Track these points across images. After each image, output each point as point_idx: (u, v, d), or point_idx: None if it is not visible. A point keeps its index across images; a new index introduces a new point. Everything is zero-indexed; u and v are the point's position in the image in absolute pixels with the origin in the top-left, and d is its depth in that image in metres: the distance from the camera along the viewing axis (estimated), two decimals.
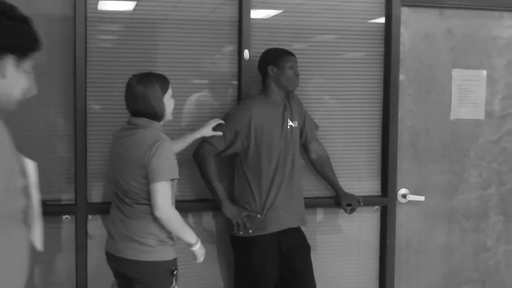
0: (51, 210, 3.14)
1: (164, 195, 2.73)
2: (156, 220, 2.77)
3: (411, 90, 3.70)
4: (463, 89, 3.77)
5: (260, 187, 3.23)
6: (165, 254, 2.83)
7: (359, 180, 3.68)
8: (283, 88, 3.25)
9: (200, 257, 2.92)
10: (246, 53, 3.39)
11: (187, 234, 2.86)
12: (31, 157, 1.85)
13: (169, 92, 2.86)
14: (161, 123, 2.87)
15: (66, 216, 3.30)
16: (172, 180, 2.79)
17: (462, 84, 3.76)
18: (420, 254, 3.78)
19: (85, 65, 3.24)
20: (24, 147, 1.90)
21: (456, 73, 3.75)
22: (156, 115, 2.82)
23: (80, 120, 3.23)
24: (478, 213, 3.86)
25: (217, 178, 3.25)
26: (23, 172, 1.75)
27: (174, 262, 2.86)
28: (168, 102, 2.86)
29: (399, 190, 3.70)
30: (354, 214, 3.67)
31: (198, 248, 2.88)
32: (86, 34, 3.23)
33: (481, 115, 3.81)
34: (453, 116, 3.77)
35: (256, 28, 3.45)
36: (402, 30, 3.63)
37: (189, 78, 3.44)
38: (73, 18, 3.20)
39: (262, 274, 3.24)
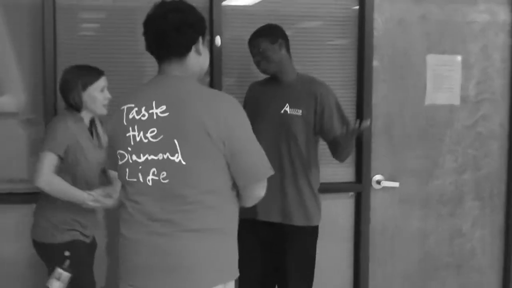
0: None
1: (42, 165, 2.75)
2: (48, 201, 2.83)
3: (386, 76, 3.68)
4: (438, 75, 3.75)
5: None
6: (57, 237, 2.85)
7: (333, 166, 3.65)
8: None
9: (105, 202, 2.85)
10: (218, 40, 3.37)
11: (74, 195, 2.81)
12: None
13: (97, 85, 2.86)
14: (83, 114, 2.89)
15: None
16: (57, 155, 2.78)
17: (437, 69, 3.75)
18: (395, 239, 3.79)
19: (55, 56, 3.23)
20: None
21: (431, 59, 3.74)
22: (72, 106, 2.87)
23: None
24: (453, 198, 3.86)
25: None
26: None
27: (67, 245, 2.86)
28: (94, 94, 2.86)
29: (373, 176, 3.70)
30: (328, 200, 3.66)
31: (94, 200, 2.81)
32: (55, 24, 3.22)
33: (456, 101, 3.80)
34: (428, 101, 3.76)
35: (228, 14, 3.42)
36: (375, 16, 3.61)
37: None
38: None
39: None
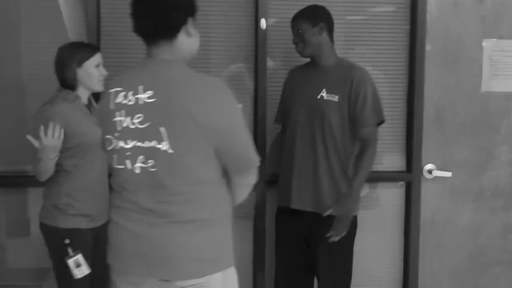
0: None
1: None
2: (53, 184, 2.80)
3: (438, 61, 3.52)
4: (494, 61, 3.57)
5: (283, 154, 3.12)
6: (58, 220, 2.81)
7: (383, 155, 3.54)
8: None
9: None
10: (263, 23, 3.28)
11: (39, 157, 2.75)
12: None
13: (92, 61, 2.82)
14: (79, 91, 2.84)
15: None
16: None
17: (493, 55, 3.57)
18: (445, 232, 3.64)
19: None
20: None
21: (488, 44, 3.56)
22: (67, 85, 2.82)
23: None
24: (508, 191, 3.68)
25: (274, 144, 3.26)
26: None
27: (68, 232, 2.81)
28: (90, 70, 2.82)
29: (424, 165, 3.55)
30: (377, 189, 3.57)
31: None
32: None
33: None
34: (483, 89, 3.58)
35: None
36: None
37: (205, 49, 3.35)
38: None
39: (276, 253, 3.18)
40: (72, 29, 3.30)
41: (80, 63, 2.81)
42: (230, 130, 2.00)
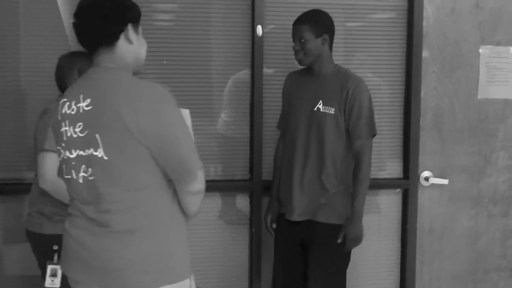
0: None
1: (43, 166, 2.68)
2: (39, 191, 2.77)
3: (435, 67, 3.51)
4: (491, 67, 3.57)
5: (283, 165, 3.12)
6: (44, 227, 2.80)
7: (380, 162, 3.54)
8: None
9: None
10: (259, 30, 3.28)
11: None
12: None
13: None
14: None
15: None
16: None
17: (490, 61, 3.56)
18: (443, 239, 3.62)
19: None
20: None
21: (484, 50, 3.55)
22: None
23: None
24: (506, 197, 3.67)
25: (276, 170, 3.19)
26: None
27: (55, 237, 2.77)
28: None
29: (421, 172, 3.54)
30: (375, 196, 3.56)
31: None
32: None
33: (511, 94, 3.61)
34: (481, 95, 3.57)
35: (270, 3, 3.33)
36: (426, 4, 3.45)
37: (201, 57, 3.36)
38: None
39: (275, 255, 3.17)
40: (73, 36, 3.29)
41: (80, 72, 2.79)
42: (164, 136, 1.95)
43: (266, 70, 3.35)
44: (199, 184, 2.04)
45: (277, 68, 3.38)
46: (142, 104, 1.92)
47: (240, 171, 3.43)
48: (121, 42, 2.04)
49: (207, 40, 3.39)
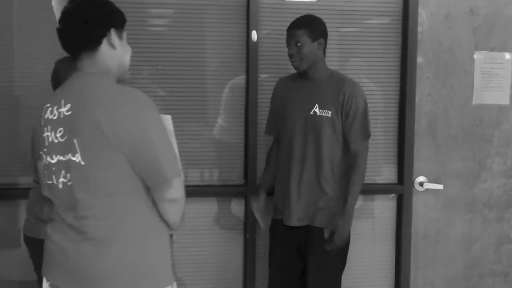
0: None
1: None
2: (36, 196, 2.77)
3: (430, 73, 3.52)
4: (486, 73, 3.57)
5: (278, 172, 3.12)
6: (41, 232, 2.75)
7: (374, 167, 3.54)
8: None
9: None
10: (254, 35, 3.28)
11: None
12: None
13: None
14: None
15: None
16: None
17: (485, 67, 3.57)
18: (438, 244, 3.62)
19: None
20: None
21: (479, 56, 3.56)
22: None
23: None
24: (501, 202, 3.67)
25: (268, 166, 3.21)
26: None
27: None
28: None
29: (416, 178, 3.54)
30: (369, 202, 3.57)
31: None
32: None
33: (505, 100, 3.61)
34: (475, 100, 3.58)
35: (265, 9, 3.33)
36: (420, 10, 3.46)
37: (196, 62, 3.37)
38: None
39: (270, 260, 3.16)
40: None
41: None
42: (139, 142, 1.92)
43: (261, 75, 3.36)
44: (175, 192, 2.00)
45: (272, 73, 3.38)
46: (118, 110, 1.90)
47: (235, 176, 3.43)
48: (104, 47, 2.04)
49: (202, 45, 3.39)
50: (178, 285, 3.35)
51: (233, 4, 3.33)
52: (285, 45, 3.00)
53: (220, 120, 3.41)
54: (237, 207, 3.46)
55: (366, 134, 3.02)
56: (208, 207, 3.46)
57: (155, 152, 1.94)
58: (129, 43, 3.17)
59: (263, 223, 3.19)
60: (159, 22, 3.39)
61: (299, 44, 2.90)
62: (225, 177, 3.44)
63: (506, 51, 3.59)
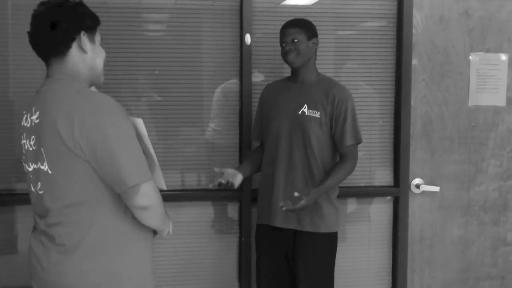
0: None
1: None
2: None
3: (425, 75, 3.51)
4: (481, 74, 3.56)
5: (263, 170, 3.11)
6: None
7: (370, 169, 3.53)
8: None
9: None
10: (247, 38, 3.28)
11: None
12: None
13: None
14: None
15: None
16: None
17: (480, 68, 3.56)
18: (434, 247, 3.61)
19: None
20: None
21: (475, 57, 3.55)
22: None
23: None
24: (497, 205, 3.65)
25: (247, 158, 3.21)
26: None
27: None
28: None
29: (412, 180, 3.53)
30: (365, 204, 3.56)
31: None
32: None
33: (501, 102, 3.60)
34: (471, 102, 3.57)
35: (259, 12, 3.33)
36: (415, 12, 3.45)
37: (191, 66, 3.36)
38: None
39: (261, 266, 3.13)
40: None
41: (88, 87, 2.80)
42: (100, 149, 1.87)
43: (255, 79, 3.35)
44: (144, 198, 1.94)
45: (266, 76, 3.37)
46: (77, 117, 1.86)
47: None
48: (74, 52, 2.00)
49: (197, 49, 3.37)
50: None
51: (227, 8, 3.32)
52: (279, 47, 3.00)
53: (212, 124, 3.40)
54: (231, 211, 3.45)
55: (356, 139, 2.99)
56: (203, 211, 3.44)
57: (115, 158, 1.88)
58: (124, 48, 3.21)
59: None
60: (153, 27, 3.37)
61: (296, 41, 2.92)
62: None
63: (501, 52, 3.57)
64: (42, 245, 2.02)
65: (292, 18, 3.05)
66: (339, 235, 3.13)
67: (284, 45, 2.96)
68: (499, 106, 3.60)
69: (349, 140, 2.96)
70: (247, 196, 3.33)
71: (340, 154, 3.01)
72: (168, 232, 2.21)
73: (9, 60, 3.27)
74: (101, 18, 2.16)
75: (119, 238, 2.00)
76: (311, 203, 2.82)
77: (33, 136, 1.97)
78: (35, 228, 2.13)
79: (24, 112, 2.06)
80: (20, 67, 3.24)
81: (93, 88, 2.39)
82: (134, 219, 2.01)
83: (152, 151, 2.15)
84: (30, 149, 1.99)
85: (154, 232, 2.18)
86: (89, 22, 2.03)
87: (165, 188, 2.27)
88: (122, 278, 2.01)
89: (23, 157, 2.06)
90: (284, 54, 2.96)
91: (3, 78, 3.26)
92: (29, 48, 3.10)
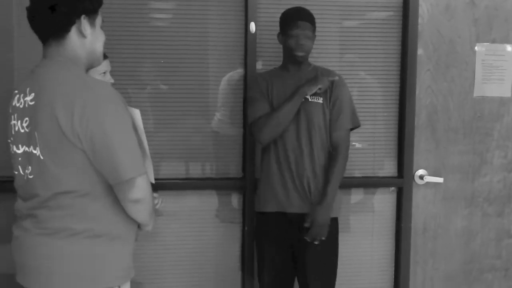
0: None
1: None
2: None
3: (430, 65, 3.48)
4: (487, 65, 3.53)
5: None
6: None
7: (374, 160, 3.51)
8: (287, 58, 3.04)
9: None
10: (252, 26, 3.25)
11: None
12: None
13: (99, 68, 2.73)
14: None
15: None
16: None
17: (486, 59, 3.53)
18: (438, 238, 3.59)
19: None
20: None
21: (481, 48, 3.52)
22: None
23: None
24: (501, 196, 3.63)
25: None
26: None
27: None
28: (96, 78, 2.77)
29: (416, 171, 3.51)
30: (369, 195, 3.54)
31: None
32: None
33: (507, 93, 3.57)
34: (476, 93, 3.54)
35: (264, 0, 3.31)
36: (420, 2, 3.42)
37: (196, 55, 3.33)
38: None
39: (264, 254, 3.11)
40: None
41: (86, 70, 2.77)
42: (98, 139, 1.84)
43: (259, 68, 3.32)
44: (138, 191, 1.92)
45: (270, 65, 3.34)
46: (77, 105, 1.82)
47: (233, 170, 3.40)
48: (73, 35, 1.96)
49: (203, 38, 3.34)
50: (176, 277, 3.39)
51: None
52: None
53: (218, 114, 3.39)
54: (235, 200, 3.43)
55: (353, 124, 3.03)
56: (207, 200, 3.42)
57: (113, 150, 1.86)
58: (130, 37, 3.19)
59: None
60: (159, 16, 3.35)
61: (309, 35, 2.96)
62: (223, 170, 3.41)
63: (508, 43, 3.54)
64: (24, 230, 1.99)
65: (296, 5, 3.05)
66: (342, 225, 3.13)
67: (297, 36, 2.94)
68: (505, 97, 3.58)
69: (344, 126, 2.99)
70: (251, 185, 3.31)
71: (333, 144, 3.00)
72: (150, 228, 2.16)
73: (14, 53, 3.24)
74: (105, 7, 2.13)
75: (107, 227, 1.97)
76: (325, 220, 2.91)
77: (27, 118, 1.92)
78: (16, 217, 2.08)
79: (17, 91, 2.01)
80: (25, 59, 3.19)
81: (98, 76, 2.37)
82: (123, 212, 1.99)
83: (145, 143, 2.13)
84: (22, 131, 1.94)
85: (138, 227, 2.15)
86: (89, 5, 1.98)
87: (153, 181, 2.23)
88: (105, 265, 1.99)
89: (11, 138, 2.01)
90: (297, 47, 2.95)
91: (8, 69, 3.24)
92: (34, 39, 3.10)
